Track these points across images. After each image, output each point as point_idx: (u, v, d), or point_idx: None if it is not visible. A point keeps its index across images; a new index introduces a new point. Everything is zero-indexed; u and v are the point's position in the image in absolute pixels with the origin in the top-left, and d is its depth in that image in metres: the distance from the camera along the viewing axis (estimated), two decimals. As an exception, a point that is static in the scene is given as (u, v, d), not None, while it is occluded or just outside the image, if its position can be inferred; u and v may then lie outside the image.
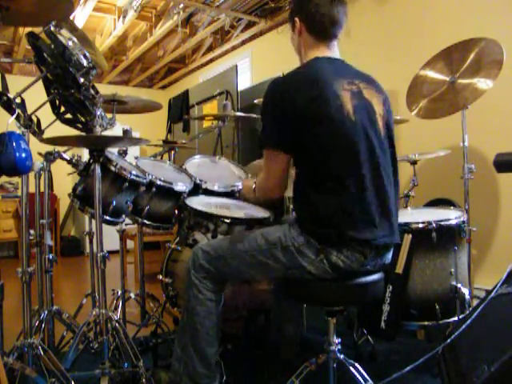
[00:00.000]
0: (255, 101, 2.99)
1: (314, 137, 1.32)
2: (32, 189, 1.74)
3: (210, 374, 1.50)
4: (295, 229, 1.37)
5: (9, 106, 1.54)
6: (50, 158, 1.83)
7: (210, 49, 5.45)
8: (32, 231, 1.74)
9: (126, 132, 2.04)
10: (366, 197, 1.32)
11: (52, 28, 1.49)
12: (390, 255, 1.44)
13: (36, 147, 1.72)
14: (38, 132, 1.64)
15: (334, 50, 1.47)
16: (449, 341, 1.32)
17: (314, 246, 1.33)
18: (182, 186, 2.06)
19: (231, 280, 1.58)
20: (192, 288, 1.51)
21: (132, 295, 2.42)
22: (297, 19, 1.47)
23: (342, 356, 1.47)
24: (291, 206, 2.33)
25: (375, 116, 1.40)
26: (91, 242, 2.20)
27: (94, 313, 1.58)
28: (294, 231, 1.37)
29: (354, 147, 1.32)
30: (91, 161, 1.74)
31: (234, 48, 5.29)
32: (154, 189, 2.00)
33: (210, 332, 1.49)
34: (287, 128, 1.34)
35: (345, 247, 1.32)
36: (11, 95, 1.54)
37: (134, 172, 1.88)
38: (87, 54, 1.54)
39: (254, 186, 1.56)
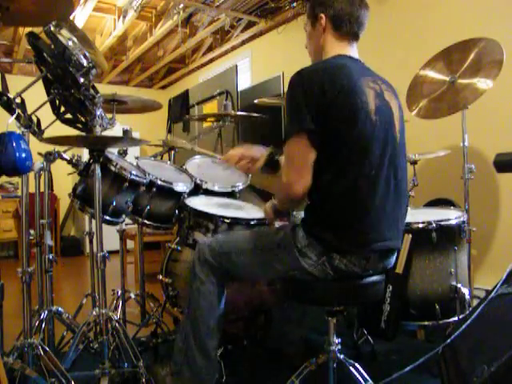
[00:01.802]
0: (255, 101, 2.99)
1: (334, 133, 1.28)
2: (32, 189, 1.74)
3: (210, 367, 1.52)
4: (300, 230, 1.36)
5: (9, 106, 1.54)
6: (49, 158, 1.83)
7: (210, 49, 5.45)
8: (32, 231, 1.74)
9: (126, 132, 2.04)
10: (378, 201, 1.31)
11: (52, 28, 1.49)
12: (392, 260, 1.44)
13: (36, 147, 1.72)
14: (37, 132, 1.63)
15: (355, 51, 1.46)
16: (449, 341, 1.32)
17: (317, 249, 1.32)
18: (182, 186, 2.06)
19: (235, 276, 1.58)
20: (196, 281, 1.52)
21: (132, 295, 2.42)
22: (322, 15, 1.43)
23: (342, 356, 1.47)
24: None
25: (393, 119, 1.39)
26: (91, 242, 2.19)
27: (94, 313, 1.58)
28: (299, 233, 1.36)
29: (371, 149, 1.30)
30: (91, 161, 1.74)
31: (233, 48, 5.28)
32: (154, 189, 2.01)
33: (211, 325, 1.51)
34: (318, 115, 1.27)
35: (349, 252, 1.31)
36: (11, 95, 1.53)
37: (134, 172, 1.88)
38: (87, 54, 1.54)
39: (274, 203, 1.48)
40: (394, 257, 1.45)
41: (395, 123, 1.39)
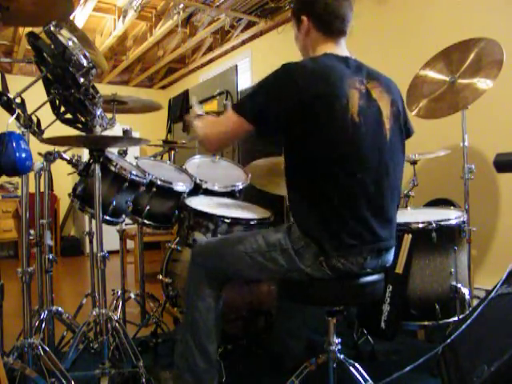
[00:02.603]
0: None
1: (313, 135, 1.28)
2: (32, 189, 1.74)
3: (211, 369, 1.51)
4: (295, 231, 1.36)
5: (9, 106, 1.54)
6: (50, 158, 1.83)
7: (210, 49, 5.45)
8: (32, 231, 1.74)
9: (126, 132, 2.04)
10: (367, 201, 1.30)
11: (52, 28, 1.49)
12: (390, 257, 1.44)
13: (36, 147, 1.72)
14: (37, 132, 1.64)
15: (342, 48, 1.45)
16: (449, 341, 1.32)
17: (314, 250, 1.32)
18: (181, 186, 2.06)
19: (232, 279, 1.58)
20: (192, 284, 1.52)
21: (132, 295, 2.42)
22: (304, 18, 1.44)
23: (342, 356, 1.47)
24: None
25: (381, 118, 1.36)
26: (91, 242, 2.20)
27: (93, 313, 1.58)
28: (294, 234, 1.36)
29: (358, 151, 1.29)
30: (91, 161, 1.74)
31: (233, 48, 5.29)
32: (154, 189, 2.01)
33: (210, 328, 1.50)
34: (282, 114, 1.29)
35: (345, 251, 1.31)
36: (11, 95, 1.53)
37: (134, 172, 1.88)
38: (87, 54, 1.54)
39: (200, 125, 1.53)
40: (392, 254, 1.45)
41: (384, 121, 1.36)
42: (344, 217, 1.30)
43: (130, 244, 4.39)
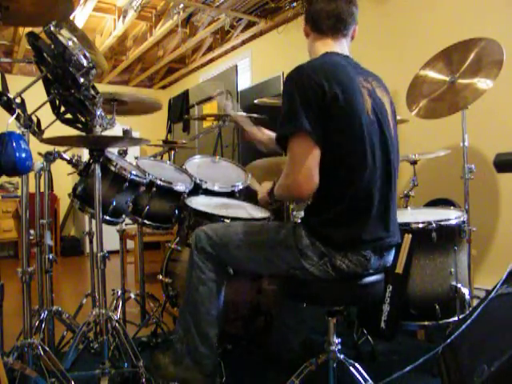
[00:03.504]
0: (255, 101, 2.99)
1: (334, 132, 1.27)
2: (32, 189, 1.74)
3: (212, 355, 1.51)
4: (301, 230, 1.36)
5: (9, 106, 1.54)
6: (50, 158, 1.83)
7: (210, 49, 5.45)
8: (32, 231, 1.74)
9: (126, 132, 2.04)
10: (377, 197, 1.32)
11: (52, 28, 1.49)
12: (391, 257, 1.44)
13: (36, 147, 1.72)
14: (37, 132, 1.63)
15: (343, 47, 1.44)
16: (449, 341, 1.32)
17: (319, 249, 1.32)
18: (181, 186, 2.06)
19: (234, 269, 1.57)
20: (194, 268, 1.50)
21: (132, 295, 2.42)
22: (303, 21, 1.48)
23: (342, 356, 1.47)
24: (291, 206, 2.33)
25: (387, 116, 1.39)
26: (91, 242, 2.20)
27: (93, 313, 1.58)
28: (300, 232, 1.35)
29: (371, 148, 1.30)
30: (91, 161, 1.74)
31: (234, 48, 5.28)
32: (154, 189, 2.01)
33: (211, 313, 1.50)
34: (317, 115, 1.25)
35: (350, 250, 1.31)
36: (11, 95, 1.53)
37: (134, 172, 1.88)
38: (87, 54, 1.54)
39: (270, 188, 1.49)
40: (392, 254, 1.45)
41: (389, 119, 1.40)
42: (356, 215, 1.30)
43: (130, 244, 4.39)
